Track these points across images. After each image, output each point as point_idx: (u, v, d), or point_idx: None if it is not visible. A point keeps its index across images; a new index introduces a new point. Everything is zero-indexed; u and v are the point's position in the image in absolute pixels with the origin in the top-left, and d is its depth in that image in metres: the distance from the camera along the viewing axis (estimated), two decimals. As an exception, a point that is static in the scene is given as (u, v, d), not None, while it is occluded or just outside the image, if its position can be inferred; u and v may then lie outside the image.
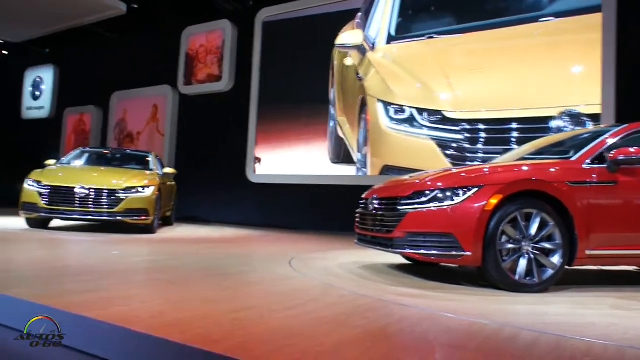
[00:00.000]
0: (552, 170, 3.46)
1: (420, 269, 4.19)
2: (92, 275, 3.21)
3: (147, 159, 8.40)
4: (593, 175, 3.38)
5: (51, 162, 7.72)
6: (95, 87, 14.73)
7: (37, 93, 16.47)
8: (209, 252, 5.23)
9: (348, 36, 10.06)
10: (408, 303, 2.71)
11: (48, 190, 6.35)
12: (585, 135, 3.99)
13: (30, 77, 16.76)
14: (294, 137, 10.73)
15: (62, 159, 8.00)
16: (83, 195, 6.33)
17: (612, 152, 3.39)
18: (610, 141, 3.53)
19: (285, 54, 11.14)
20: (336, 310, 2.43)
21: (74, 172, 7.16)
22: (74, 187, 6.34)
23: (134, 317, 2.05)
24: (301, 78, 10.78)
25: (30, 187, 6.48)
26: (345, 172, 9.88)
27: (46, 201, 6.30)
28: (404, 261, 4.63)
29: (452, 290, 3.27)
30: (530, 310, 2.74)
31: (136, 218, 6.60)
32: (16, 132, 17.06)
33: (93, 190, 6.38)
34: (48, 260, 3.86)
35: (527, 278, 3.23)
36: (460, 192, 3.30)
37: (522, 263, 3.22)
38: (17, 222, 7.23)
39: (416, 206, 3.43)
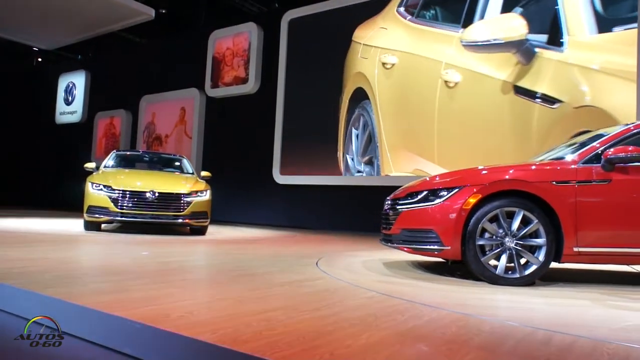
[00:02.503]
0: (538, 170, 3.64)
1: (449, 268, 4.15)
2: (123, 275, 3.26)
3: (181, 162, 8.64)
4: (585, 175, 3.48)
5: (91, 165, 7.90)
6: (124, 91, 15.06)
7: (70, 98, 16.93)
8: (237, 253, 5.27)
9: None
10: (437, 305, 2.67)
11: (120, 195, 6.58)
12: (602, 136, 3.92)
13: (63, 82, 17.25)
14: (319, 137, 10.74)
15: (105, 162, 8.06)
16: (154, 199, 6.62)
17: (606, 151, 3.46)
18: (609, 141, 3.59)
19: (311, 54, 11.15)
20: (364, 312, 2.41)
21: (133, 175, 7.31)
22: (145, 192, 6.63)
23: (163, 316, 2.07)
24: (327, 78, 10.77)
25: (98, 192, 6.65)
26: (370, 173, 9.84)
27: (119, 205, 6.55)
28: (429, 260, 4.58)
29: (478, 291, 3.21)
30: (555, 311, 2.67)
31: (199, 220, 7.00)
32: (50, 136, 17.57)
33: (163, 195, 6.70)
34: (81, 260, 3.95)
35: (509, 272, 3.46)
36: (445, 193, 3.64)
37: (504, 258, 3.45)
38: (56, 224, 7.42)
39: (409, 205, 3.83)
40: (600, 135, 3.77)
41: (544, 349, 1.91)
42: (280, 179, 11.19)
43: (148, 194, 6.62)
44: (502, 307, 2.81)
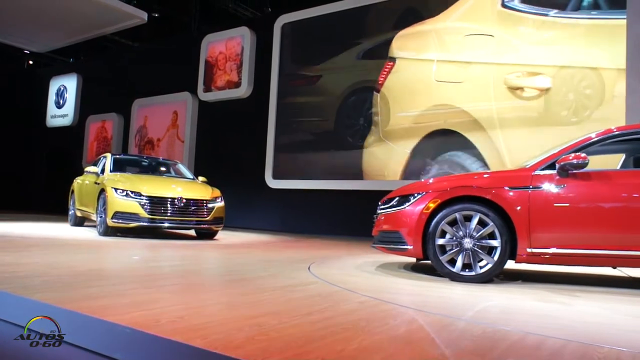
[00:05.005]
0: (495, 178, 3.98)
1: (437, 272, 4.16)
2: (115, 279, 3.24)
3: (180, 168, 8.82)
4: (540, 181, 3.71)
5: (93, 168, 7.89)
6: (116, 95, 15.00)
7: (61, 101, 16.83)
8: (229, 257, 5.25)
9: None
10: (429, 309, 2.67)
11: (149, 201, 6.72)
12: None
13: (54, 85, 17.15)
14: (312, 142, 10.75)
15: (104, 165, 7.97)
16: (181, 205, 6.88)
17: (560, 159, 3.68)
18: (568, 149, 3.78)
19: (304, 58, 11.17)
20: (356, 317, 2.41)
21: (151, 181, 7.34)
22: (174, 198, 6.86)
23: (154, 321, 2.06)
24: (320, 82, 10.78)
25: (125, 197, 6.71)
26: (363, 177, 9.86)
27: (149, 211, 6.70)
28: (423, 264, 4.59)
29: (470, 295, 3.22)
30: (549, 315, 2.68)
31: (219, 225, 7.43)
32: (41, 140, 17.45)
33: (190, 201, 6.98)
34: (71, 265, 3.91)
35: (466, 270, 3.76)
36: (411, 198, 4.02)
37: (460, 257, 3.76)
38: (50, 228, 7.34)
39: (385, 210, 4.26)
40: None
41: (535, 354, 1.92)
42: (273, 183, 11.18)
43: (176, 201, 6.85)
44: (495, 311, 2.82)
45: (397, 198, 4.16)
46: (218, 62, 12.53)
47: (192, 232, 7.90)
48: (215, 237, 7.73)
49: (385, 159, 9.66)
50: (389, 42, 9.88)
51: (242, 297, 2.86)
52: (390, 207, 4.19)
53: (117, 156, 8.46)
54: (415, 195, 4.00)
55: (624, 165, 4.48)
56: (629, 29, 7.44)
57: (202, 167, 11.97)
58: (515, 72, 8.38)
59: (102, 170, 7.84)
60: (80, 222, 8.87)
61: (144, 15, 11.65)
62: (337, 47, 10.57)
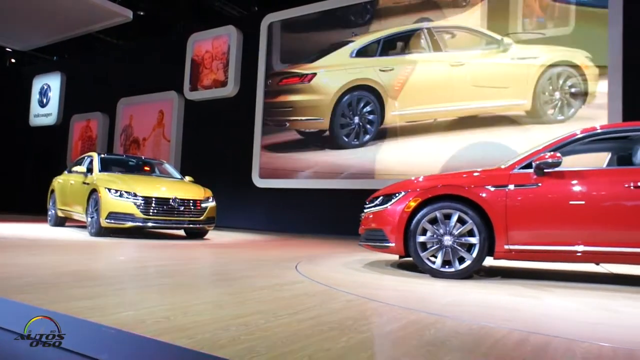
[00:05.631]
0: (475, 177, 4.04)
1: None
2: (100, 280, 3.21)
3: (168, 167, 8.85)
4: (517, 180, 3.82)
5: (80, 168, 7.79)
6: (101, 94, 14.83)
7: (45, 100, 16.60)
8: (216, 257, 5.23)
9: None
10: (415, 307, 2.69)
11: (144, 201, 6.74)
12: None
13: (37, 84, 16.91)
14: (302, 141, 10.74)
15: (92, 165, 7.88)
16: (176, 205, 6.93)
17: (536, 158, 3.79)
18: (545, 149, 3.88)
19: (291, 57, 11.13)
20: (343, 315, 2.41)
21: (144, 181, 7.31)
22: (169, 198, 6.92)
23: (139, 322, 2.04)
24: (315, 80, 10.71)
25: (119, 198, 6.70)
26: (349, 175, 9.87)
27: (145, 211, 6.72)
28: (408, 261, 4.61)
29: (457, 292, 3.25)
30: (534, 312, 2.72)
31: (211, 225, 7.51)
32: (24, 139, 17.19)
33: (185, 201, 7.04)
34: (61, 265, 3.86)
35: (446, 267, 3.88)
36: (394, 197, 4.14)
37: (440, 254, 3.88)
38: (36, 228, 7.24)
39: (369, 208, 4.39)
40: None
41: (520, 350, 1.94)
42: (260, 182, 11.15)
43: (172, 201, 6.89)
44: (480, 308, 2.84)
45: (381, 197, 4.28)
46: (204, 61, 12.46)
47: (182, 232, 7.86)
48: (205, 237, 7.72)
49: (379, 158, 9.64)
50: (382, 40, 9.84)
51: (228, 296, 2.85)
52: (374, 205, 4.31)
53: (105, 156, 8.38)
54: (398, 194, 4.12)
55: (609, 164, 4.54)
56: (610, 29, 7.56)
57: (188, 167, 11.91)
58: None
59: (89, 170, 7.75)
60: (61, 222, 8.76)
61: (129, 14, 11.53)
62: (329, 45, 10.49)
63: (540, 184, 3.75)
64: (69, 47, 15.67)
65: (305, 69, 10.82)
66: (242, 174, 11.35)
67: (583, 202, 3.71)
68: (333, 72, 10.37)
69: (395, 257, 4.95)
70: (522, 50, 8.43)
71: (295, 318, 2.30)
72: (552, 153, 3.75)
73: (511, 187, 3.79)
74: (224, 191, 11.51)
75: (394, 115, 9.57)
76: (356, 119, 9.98)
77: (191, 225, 7.23)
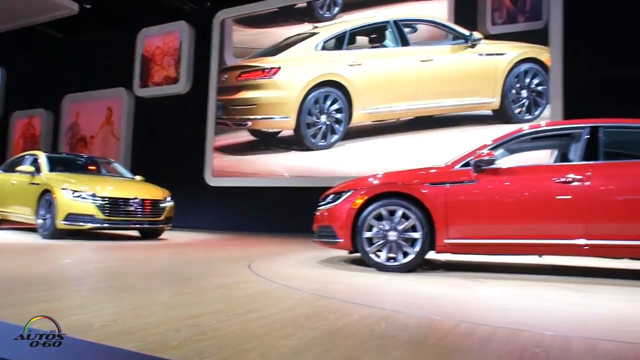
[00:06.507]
0: (417, 175, 4.20)
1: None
2: (45, 284, 3.08)
3: (117, 167, 8.68)
4: (456, 177, 3.99)
5: (28, 167, 7.40)
6: (45, 90, 14.19)
7: (-18, 96, 15.70)
8: (167, 257, 5.13)
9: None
10: (366, 303, 2.74)
11: (106, 202, 6.61)
12: None
13: (-26, 79, 15.96)
14: (252, 140, 10.63)
15: (36, 163, 7.54)
16: (137, 205, 6.85)
17: (475, 156, 3.98)
18: (486, 147, 4.07)
19: (248, 53, 10.97)
20: (296, 313, 2.43)
21: (100, 181, 7.12)
22: (129, 199, 6.80)
23: (87, 326, 1.99)
24: (278, 75, 10.50)
25: (78, 199, 6.49)
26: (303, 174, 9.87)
27: (105, 212, 6.58)
28: (358, 256, 4.69)
29: (406, 286, 3.33)
30: (479, 304, 2.82)
31: (169, 224, 7.48)
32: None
33: (145, 201, 6.96)
34: (8, 271, 3.69)
35: (390, 261, 4.04)
36: (343, 195, 4.30)
37: (386, 249, 4.05)
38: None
39: (322, 206, 4.53)
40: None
41: (467, 340, 2.02)
42: (213, 181, 11.00)
43: (131, 201, 6.80)
44: (426, 300, 2.92)
45: (332, 195, 4.45)
46: (155, 57, 12.15)
47: (137, 232, 7.65)
48: (160, 237, 7.61)
49: (340, 158, 9.47)
50: (349, 32, 9.46)
51: (180, 297, 2.81)
52: (326, 203, 4.47)
53: (52, 155, 8.04)
54: (347, 192, 4.29)
55: (555, 160, 4.78)
56: (551, 35, 7.91)
57: (138, 165, 11.58)
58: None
59: (37, 170, 7.40)
60: None
61: (74, 6, 11.10)
62: (291, 37, 10.19)
63: (477, 181, 3.94)
64: (10, 40, 14.88)
65: (267, 62, 10.09)
66: (194, 172, 11.16)
67: (516, 197, 3.92)
68: (298, 67, 9.67)
69: (348, 253, 5.02)
70: (490, 45, 8.39)
71: (248, 317, 2.30)
72: (488, 151, 3.94)
73: (451, 183, 3.98)
74: (177, 190, 11.24)
75: (363, 113, 9.21)
76: (323, 118, 9.46)
77: (151, 226, 7.18)
